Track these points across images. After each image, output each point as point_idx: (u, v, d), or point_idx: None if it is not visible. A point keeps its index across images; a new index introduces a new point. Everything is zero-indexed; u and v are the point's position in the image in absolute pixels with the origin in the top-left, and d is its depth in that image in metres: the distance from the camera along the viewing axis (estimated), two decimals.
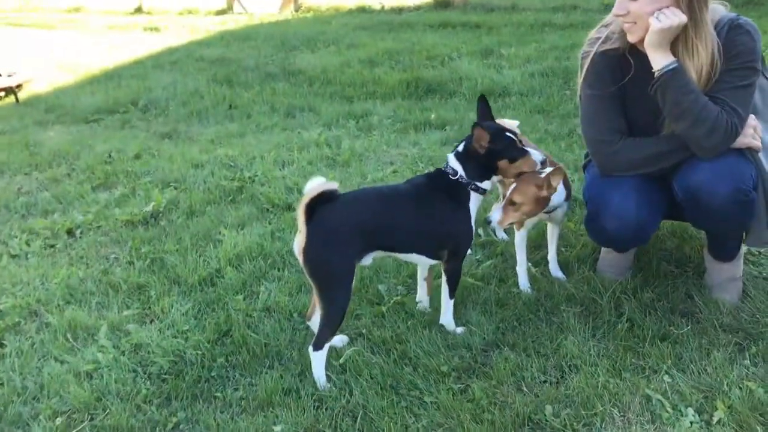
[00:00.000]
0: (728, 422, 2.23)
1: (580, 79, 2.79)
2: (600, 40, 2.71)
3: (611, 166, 2.71)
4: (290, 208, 4.15)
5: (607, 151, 2.70)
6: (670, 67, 2.49)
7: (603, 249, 3.15)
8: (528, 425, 2.31)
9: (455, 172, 2.70)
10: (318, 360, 2.57)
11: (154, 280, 3.42)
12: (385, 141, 5.24)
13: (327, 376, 2.60)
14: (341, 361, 2.68)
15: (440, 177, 2.74)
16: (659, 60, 2.51)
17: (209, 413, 2.51)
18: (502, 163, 2.67)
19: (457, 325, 2.86)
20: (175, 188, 4.58)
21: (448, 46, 8.05)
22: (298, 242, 2.55)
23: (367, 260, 2.68)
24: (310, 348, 2.57)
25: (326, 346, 2.56)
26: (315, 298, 2.72)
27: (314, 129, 5.75)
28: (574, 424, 2.29)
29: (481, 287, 3.09)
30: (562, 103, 5.76)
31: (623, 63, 2.67)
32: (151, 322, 3.12)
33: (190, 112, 6.53)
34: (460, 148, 2.73)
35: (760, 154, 2.59)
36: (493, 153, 2.65)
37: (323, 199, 2.52)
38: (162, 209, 4.25)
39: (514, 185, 2.73)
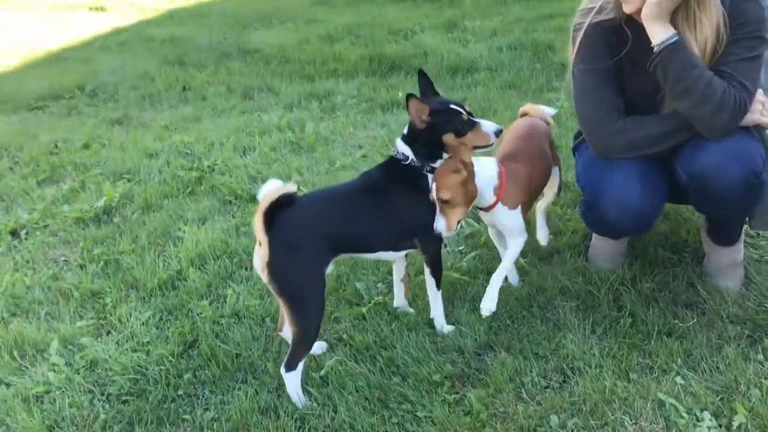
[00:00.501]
0: (750, 428, 2.05)
1: (571, 54, 2.55)
2: (593, 11, 2.47)
3: (609, 148, 2.49)
4: (254, 199, 3.85)
5: (604, 132, 2.47)
6: (671, 41, 2.27)
7: (595, 236, 2.94)
8: None
9: (406, 157, 2.48)
10: (292, 380, 2.32)
11: (110, 285, 3.12)
12: (352, 123, 4.96)
13: (307, 390, 2.36)
14: (322, 372, 2.44)
15: (393, 165, 2.52)
16: (658, 33, 2.29)
17: None
18: (449, 138, 2.42)
19: (448, 323, 2.64)
20: (128, 180, 4.24)
21: (411, 19, 7.75)
22: (260, 257, 2.28)
23: (329, 268, 2.44)
24: (282, 368, 2.32)
25: (300, 365, 2.31)
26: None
27: (274, 111, 5.43)
28: None
29: (467, 282, 2.87)
30: (533, 78, 5.54)
31: (619, 35, 2.44)
32: (107, 333, 2.83)
33: (141, 96, 6.14)
34: (406, 130, 2.51)
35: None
36: (435, 128, 2.42)
37: (281, 205, 2.26)
38: (115, 204, 3.93)
39: (433, 185, 2.44)
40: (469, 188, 2.46)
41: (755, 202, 2.39)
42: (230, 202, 3.88)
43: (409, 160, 2.47)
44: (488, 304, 2.56)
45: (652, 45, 2.29)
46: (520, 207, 2.63)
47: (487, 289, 2.58)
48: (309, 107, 5.46)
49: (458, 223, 2.48)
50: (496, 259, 2.98)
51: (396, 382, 2.36)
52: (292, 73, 6.50)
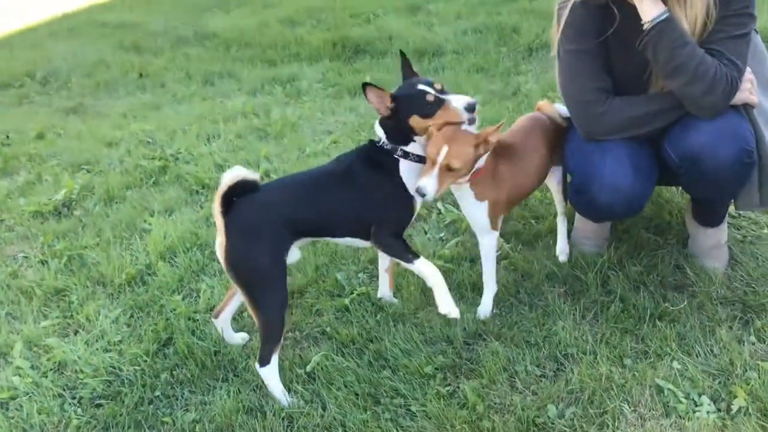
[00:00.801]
0: (751, 411, 2.01)
1: (556, 33, 2.47)
2: None
3: (597, 129, 2.42)
4: None
5: (592, 113, 2.40)
6: (661, 17, 2.20)
7: (578, 219, 2.89)
8: (533, 430, 2.04)
9: (380, 139, 2.38)
10: (270, 376, 2.21)
11: (74, 282, 2.96)
12: (319, 108, 4.83)
13: (293, 387, 2.26)
14: (308, 368, 2.34)
15: (368, 147, 2.42)
16: (649, 10, 2.22)
17: None
18: (415, 121, 2.29)
19: (433, 313, 2.52)
20: (88, 171, 4.06)
21: (373, 2, 7.58)
22: (219, 243, 2.19)
23: (295, 254, 2.32)
24: (256, 365, 2.22)
25: (274, 359, 2.20)
26: (228, 294, 2.47)
27: (237, 97, 5.27)
28: (584, 425, 2.03)
29: (451, 270, 2.79)
30: (500, 61, 5.46)
31: (606, 13, 2.36)
32: (75, 333, 2.68)
33: (96, 84, 5.91)
34: None
35: (755, 111, 2.36)
36: (400, 113, 2.30)
37: (242, 191, 2.17)
38: (75, 196, 3.75)
39: (445, 148, 2.23)
40: (473, 165, 2.34)
41: (745, 181, 2.35)
42: (197, 191, 3.74)
43: (381, 143, 2.37)
44: (484, 310, 2.55)
45: (642, 23, 2.23)
46: (487, 203, 2.46)
47: (482, 299, 2.56)
48: (273, 92, 5.32)
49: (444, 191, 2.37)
50: (476, 245, 2.91)
51: (386, 376, 2.27)
52: (253, 58, 6.33)
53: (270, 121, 4.63)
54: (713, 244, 2.71)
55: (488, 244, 2.53)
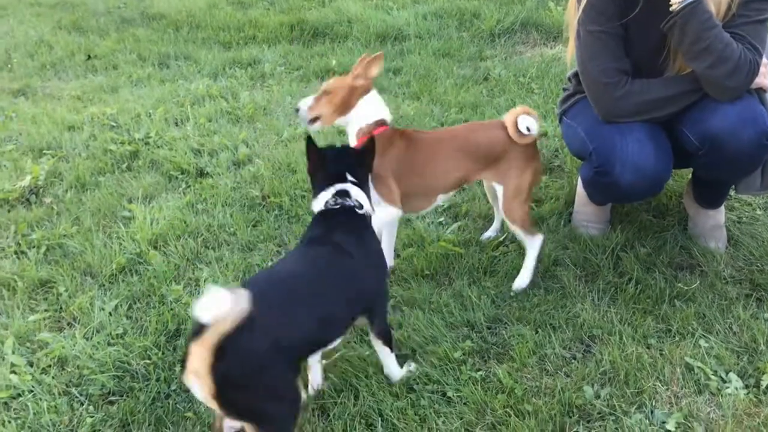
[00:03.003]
0: None
1: (575, 13, 2.46)
2: None
3: (617, 111, 2.43)
4: (203, 173, 3.58)
5: (612, 95, 2.41)
6: None
7: (580, 203, 2.91)
8: (574, 413, 2.03)
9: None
10: None
11: (60, 272, 2.78)
12: (288, 92, 4.70)
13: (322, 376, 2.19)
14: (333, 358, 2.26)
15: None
16: None
17: None
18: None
19: (449, 298, 2.51)
20: (52, 156, 3.82)
21: None
22: (200, 388, 1.62)
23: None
24: None
25: None
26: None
27: (199, 80, 5.07)
28: (623, 405, 2.04)
29: (461, 254, 2.75)
30: (463, 46, 5.46)
31: None
32: (69, 326, 2.52)
33: (41, 65, 5.58)
34: None
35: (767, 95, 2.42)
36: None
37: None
38: (42, 183, 3.52)
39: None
40: (350, 99, 2.45)
41: (760, 163, 2.41)
42: (176, 177, 3.57)
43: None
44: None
45: (669, 3, 2.24)
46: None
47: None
48: (235, 75, 5.14)
49: (316, 120, 2.49)
50: (479, 229, 2.90)
51: (416, 362, 2.22)
52: (207, 40, 6.10)
53: (239, 104, 4.47)
54: (714, 225, 2.77)
55: (378, 222, 2.35)
